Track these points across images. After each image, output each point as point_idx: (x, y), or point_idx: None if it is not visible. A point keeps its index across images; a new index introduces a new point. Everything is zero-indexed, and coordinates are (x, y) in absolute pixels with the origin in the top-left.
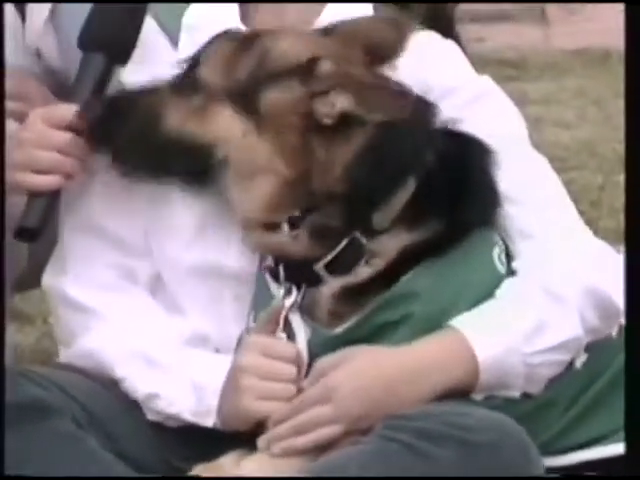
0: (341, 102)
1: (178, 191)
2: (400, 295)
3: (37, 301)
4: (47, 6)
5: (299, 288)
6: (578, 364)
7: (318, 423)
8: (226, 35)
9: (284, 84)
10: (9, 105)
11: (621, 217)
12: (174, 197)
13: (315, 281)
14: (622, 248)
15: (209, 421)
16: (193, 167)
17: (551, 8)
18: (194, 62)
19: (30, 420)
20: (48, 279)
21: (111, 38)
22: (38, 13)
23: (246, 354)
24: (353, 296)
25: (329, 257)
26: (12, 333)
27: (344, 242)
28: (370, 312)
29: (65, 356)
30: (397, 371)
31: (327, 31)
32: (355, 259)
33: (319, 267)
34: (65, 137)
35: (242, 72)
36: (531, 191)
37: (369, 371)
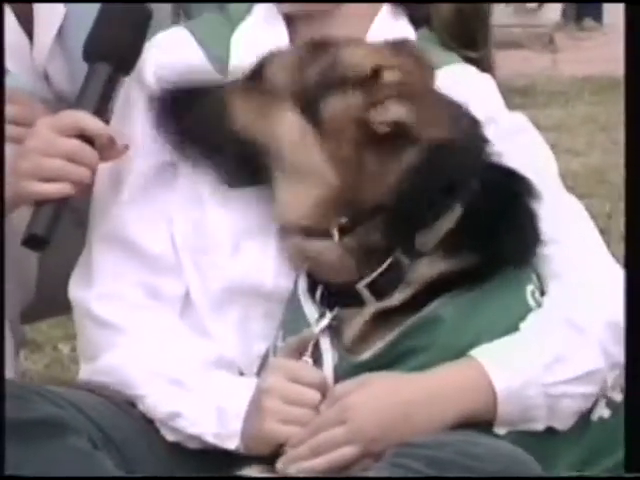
0: (396, 111)
1: (213, 207)
2: (426, 322)
3: (46, 329)
4: (54, 26)
5: (332, 311)
6: (595, 417)
7: (334, 444)
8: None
9: (348, 93)
10: (17, 131)
11: None
12: (208, 214)
13: (355, 302)
14: None
15: (231, 444)
16: (249, 161)
17: (559, 35)
18: (262, 62)
19: (46, 437)
20: (74, 290)
21: (115, 47)
22: (45, 33)
23: (271, 376)
24: (383, 321)
25: (372, 276)
26: (22, 360)
27: (388, 261)
28: (396, 338)
29: (87, 371)
30: (414, 396)
31: (397, 45)
32: (397, 280)
33: (361, 287)
34: (72, 144)
35: (310, 77)
36: (564, 230)
37: (386, 395)
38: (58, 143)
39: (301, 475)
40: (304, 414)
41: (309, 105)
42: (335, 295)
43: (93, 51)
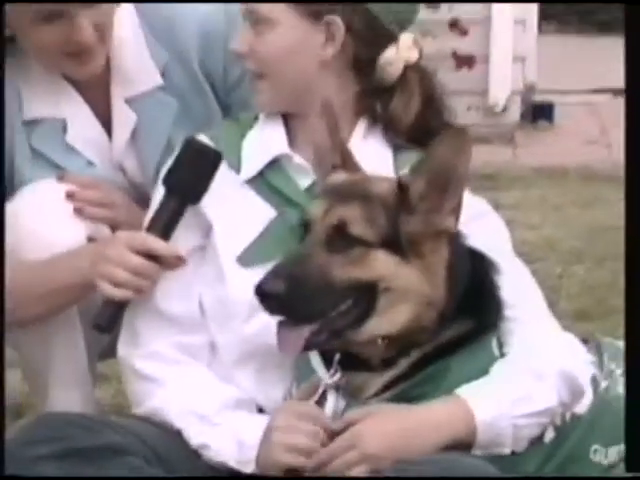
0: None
1: (233, 284)
2: (432, 375)
3: (112, 365)
4: (128, 129)
5: (342, 373)
6: (547, 439)
7: (348, 466)
8: (351, 193)
9: (410, 217)
10: (101, 212)
11: (576, 300)
12: (229, 290)
13: (366, 369)
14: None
15: (249, 469)
16: (360, 303)
17: (519, 133)
18: (339, 225)
19: (109, 459)
20: (121, 350)
21: (188, 186)
22: (121, 135)
23: (279, 416)
24: (394, 382)
25: (387, 356)
26: (94, 391)
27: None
28: (408, 387)
29: (137, 413)
30: (412, 425)
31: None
32: (407, 353)
33: (376, 362)
34: (140, 261)
35: (382, 222)
36: (519, 296)
37: (389, 424)
38: (129, 259)
39: None
40: (305, 443)
41: (392, 242)
42: (351, 361)
43: (170, 184)
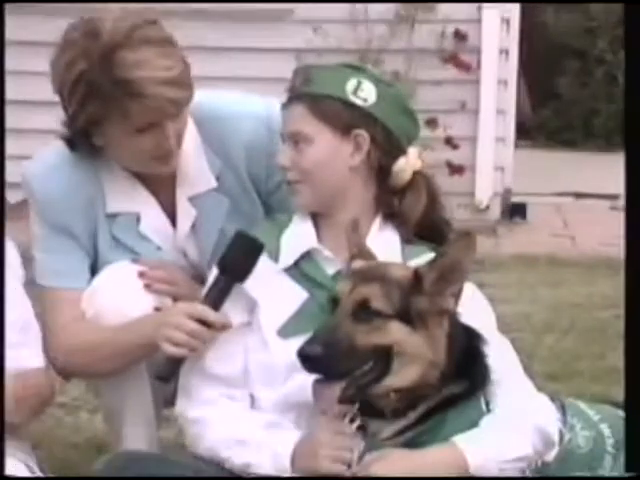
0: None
1: (275, 351)
2: (434, 426)
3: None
4: (189, 221)
5: (361, 417)
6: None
7: None
8: (372, 275)
9: (420, 298)
10: (166, 288)
11: (546, 364)
12: (273, 356)
13: (380, 417)
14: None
15: (286, 474)
16: (378, 363)
17: (499, 228)
18: (362, 301)
19: None
20: (178, 408)
21: (238, 268)
22: (183, 225)
23: (322, 433)
24: (404, 430)
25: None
26: (160, 432)
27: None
28: (415, 435)
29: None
30: (416, 466)
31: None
32: (414, 406)
33: (388, 412)
34: (195, 326)
35: (396, 299)
36: (502, 365)
37: (398, 466)
38: (187, 324)
39: None
40: (349, 457)
41: (405, 315)
42: (368, 410)
43: (222, 265)
